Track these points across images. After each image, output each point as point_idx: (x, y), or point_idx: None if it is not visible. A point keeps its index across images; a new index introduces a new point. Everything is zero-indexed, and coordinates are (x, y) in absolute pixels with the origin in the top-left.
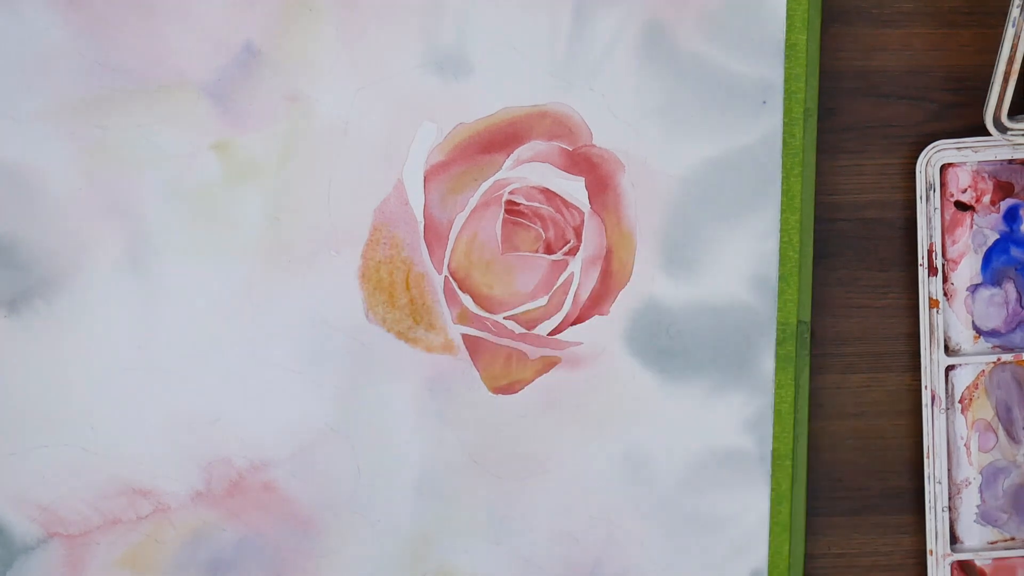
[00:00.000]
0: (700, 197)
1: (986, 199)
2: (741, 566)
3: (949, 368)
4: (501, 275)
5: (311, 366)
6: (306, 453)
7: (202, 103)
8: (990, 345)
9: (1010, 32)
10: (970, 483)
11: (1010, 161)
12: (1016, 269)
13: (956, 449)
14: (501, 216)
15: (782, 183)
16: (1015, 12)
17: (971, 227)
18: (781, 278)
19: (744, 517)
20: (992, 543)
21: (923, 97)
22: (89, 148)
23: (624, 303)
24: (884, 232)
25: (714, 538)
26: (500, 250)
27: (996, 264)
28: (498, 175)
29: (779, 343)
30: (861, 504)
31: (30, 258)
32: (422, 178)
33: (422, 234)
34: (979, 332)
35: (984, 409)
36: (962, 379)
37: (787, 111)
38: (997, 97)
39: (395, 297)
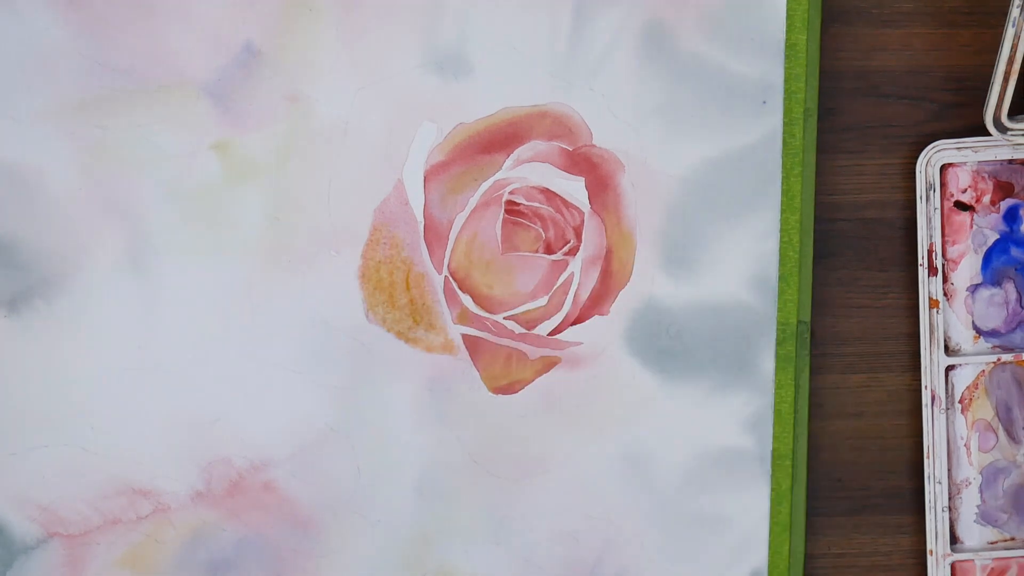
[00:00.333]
0: (700, 197)
1: (986, 199)
2: (741, 566)
3: (949, 368)
4: (501, 275)
5: (311, 366)
6: (306, 453)
7: (202, 103)
8: (990, 345)
9: (1010, 32)
10: (970, 483)
11: (1010, 161)
12: (1016, 269)
13: (956, 449)
14: (501, 216)
15: (782, 183)
16: (1015, 12)
17: (971, 227)
18: (781, 278)
19: (744, 517)
20: (992, 543)
21: (923, 97)
22: (89, 148)
23: (624, 303)
24: (884, 232)
25: (714, 538)
26: (500, 250)
27: (996, 264)
28: (498, 175)
29: (779, 343)
30: (861, 504)
31: (30, 258)
32: (422, 178)
33: (422, 234)
34: (979, 332)
35: (984, 409)
36: (962, 379)
37: (787, 111)
38: (997, 97)
39: (395, 297)
